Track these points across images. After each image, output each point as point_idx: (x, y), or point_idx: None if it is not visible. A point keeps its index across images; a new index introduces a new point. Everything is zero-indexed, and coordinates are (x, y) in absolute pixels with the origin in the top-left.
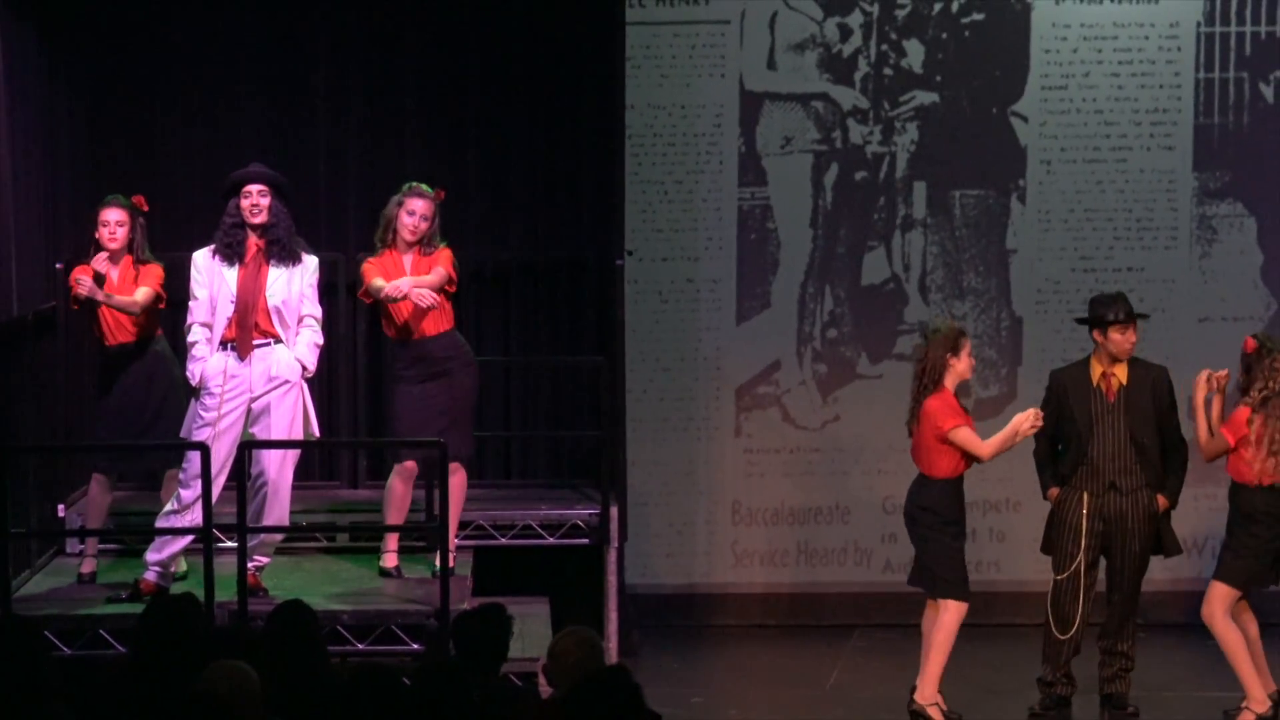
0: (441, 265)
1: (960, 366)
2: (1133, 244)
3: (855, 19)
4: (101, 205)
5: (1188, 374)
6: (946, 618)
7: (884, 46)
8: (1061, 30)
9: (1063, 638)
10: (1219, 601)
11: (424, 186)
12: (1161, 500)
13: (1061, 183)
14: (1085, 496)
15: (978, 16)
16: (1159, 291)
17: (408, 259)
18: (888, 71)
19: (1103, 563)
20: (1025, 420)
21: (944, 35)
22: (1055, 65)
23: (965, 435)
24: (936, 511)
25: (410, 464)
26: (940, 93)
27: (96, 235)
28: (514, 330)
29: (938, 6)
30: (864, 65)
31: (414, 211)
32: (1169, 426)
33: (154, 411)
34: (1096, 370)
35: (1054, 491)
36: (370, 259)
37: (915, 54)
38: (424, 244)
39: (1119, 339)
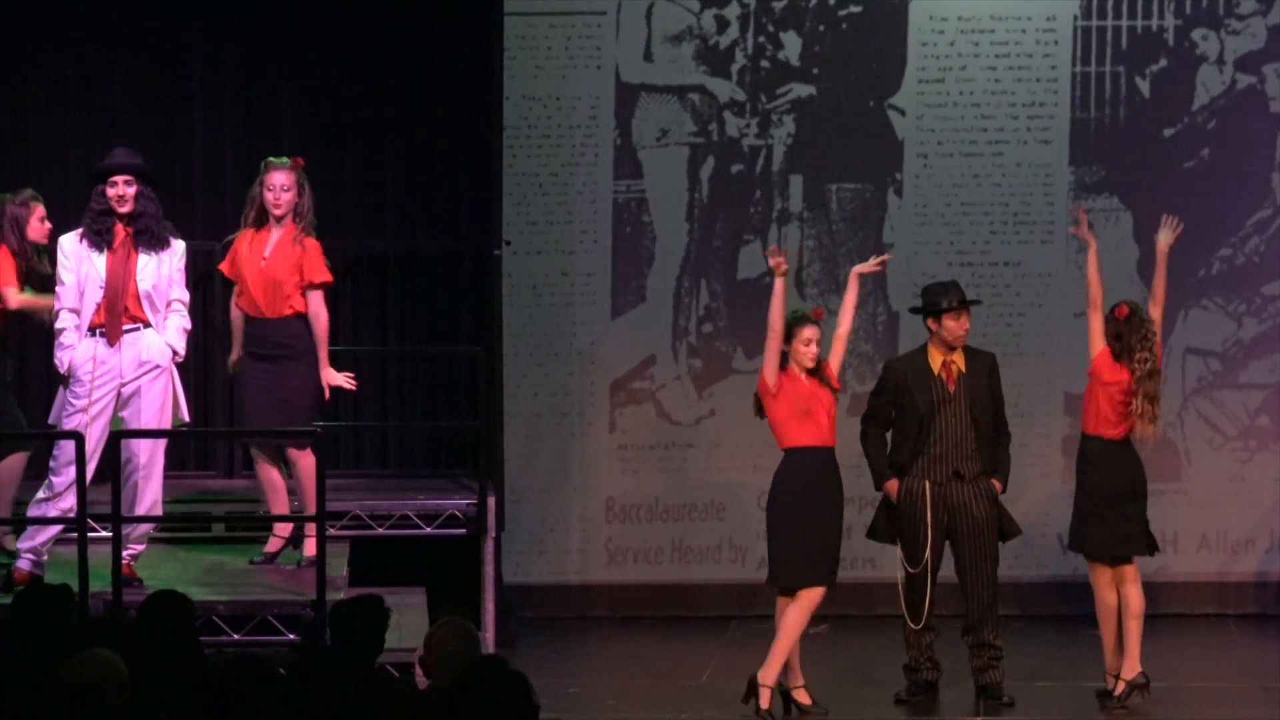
0: (312, 261)
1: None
2: (1009, 238)
3: (732, 11)
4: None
5: (1062, 368)
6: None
7: (761, 39)
8: (939, 23)
9: (916, 627)
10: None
11: (282, 159)
12: (997, 484)
13: (938, 176)
14: (928, 486)
15: (855, 9)
16: (1035, 285)
17: (276, 234)
18: (764, 64)
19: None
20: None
21: (821, 28)
22: (932, 58)
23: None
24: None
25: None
26: (817, 85)
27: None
28: (391, 320)
29: None
30: (741, 57)
31: (273, 185)
32: (1000, 411)
33: None
34: (936, 359)
35: (894, 483)
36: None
37: (792, 46)
38: (298, 218)
39: (953, 325)
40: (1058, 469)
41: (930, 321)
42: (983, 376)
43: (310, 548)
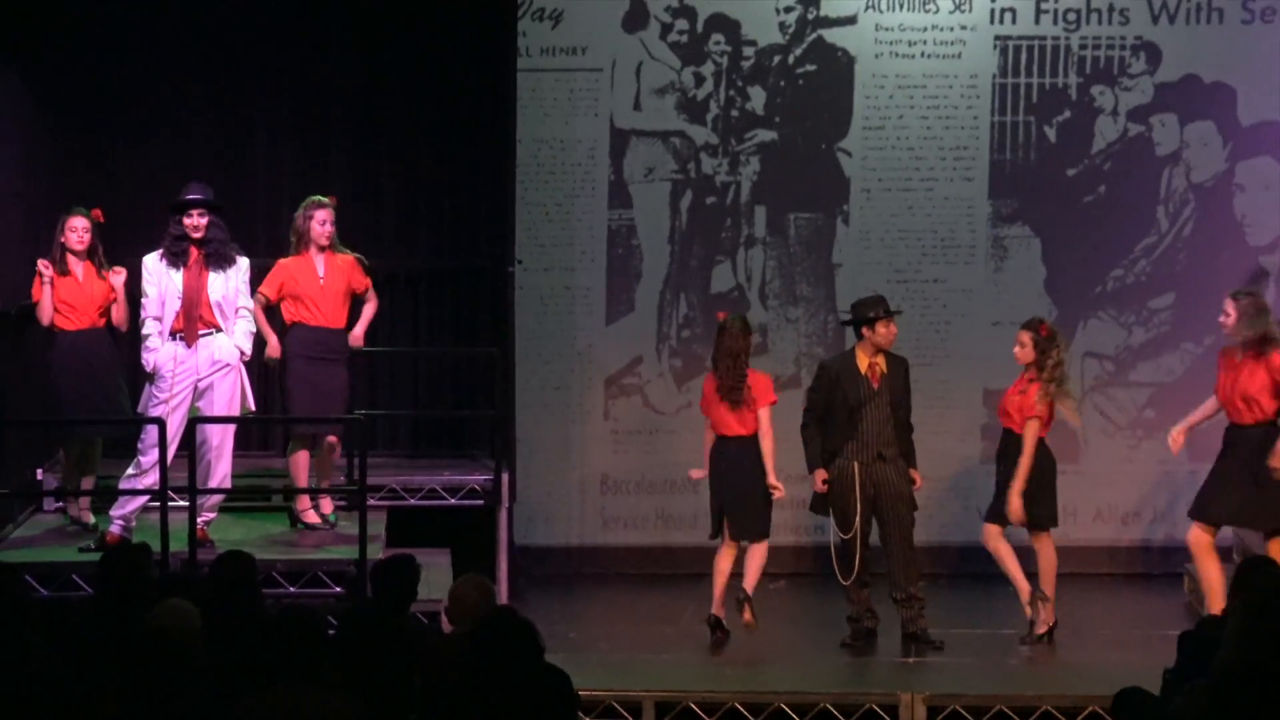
0: (357, 277)
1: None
2: (938, 260)
3: (708, 68)
4: (68, 214)
5: (981, 368)
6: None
7: (732, 92)
8: (880, 80)
9: (848, 583)
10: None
11: (323, 198)
12: (916, 475)
13: (879, 207)
14: (856, 466)
15: (810, 67)
16: (959, 300)
17: (320, 260)
18: (734, 113)
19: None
20: None
21: (782, 83)
22: (874, 109)
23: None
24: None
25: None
26: (778, 131)
27: (63, 239)
28: (422, 325)
29: (777, 59)
30: (715, 107)
31: (325, 221)
32: (910, 406)
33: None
34: (863, 361)
35: (821, 473)
36: (283, 262)
37: (758, 98)
38: (334, 246)
39: (885, 332)
40: (977, 452)
41: (865, 329)
42: (900, 377)
43: (312, 516)
